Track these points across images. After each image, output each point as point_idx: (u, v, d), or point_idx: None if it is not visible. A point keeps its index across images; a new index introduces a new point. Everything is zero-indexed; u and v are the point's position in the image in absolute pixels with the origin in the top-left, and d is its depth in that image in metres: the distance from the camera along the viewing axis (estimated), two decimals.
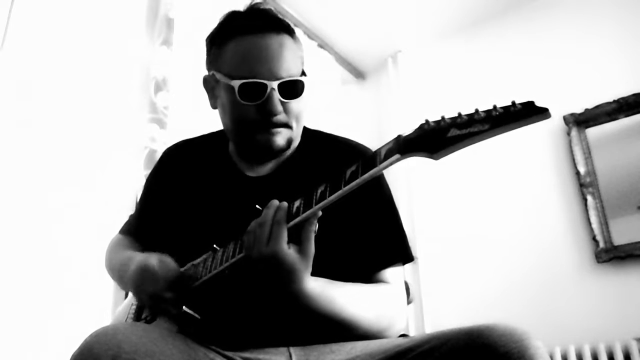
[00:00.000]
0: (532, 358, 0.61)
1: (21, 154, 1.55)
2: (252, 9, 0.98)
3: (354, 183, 0.70)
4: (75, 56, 1.77)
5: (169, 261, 0.89)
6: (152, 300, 0.87)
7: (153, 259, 0.88)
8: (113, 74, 1.89)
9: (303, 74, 0.98)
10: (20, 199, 1.51)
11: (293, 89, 0.94)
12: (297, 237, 0.77)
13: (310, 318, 0.81)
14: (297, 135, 1.00)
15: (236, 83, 0.91)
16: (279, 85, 0.92)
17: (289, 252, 0.75)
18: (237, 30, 0.95)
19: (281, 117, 0.94)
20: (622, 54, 2.55)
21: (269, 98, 0.91)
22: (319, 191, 0.74)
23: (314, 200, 0.74)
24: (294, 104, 0.95)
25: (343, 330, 0.83)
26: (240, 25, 0.95)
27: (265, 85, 0.91)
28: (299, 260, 0.76)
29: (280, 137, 0.95)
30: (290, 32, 0.98)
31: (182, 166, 1.07)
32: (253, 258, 0.77)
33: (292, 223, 0.76)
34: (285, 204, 0.78)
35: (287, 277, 0.76)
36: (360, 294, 0.87)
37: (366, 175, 0.69)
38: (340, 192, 0.71)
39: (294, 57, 0.96)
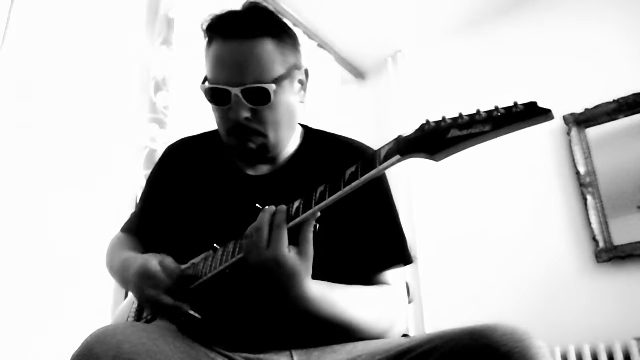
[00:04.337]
0: (534, 358, 0.61)
1: (21, 154, 1.55)
2: (231, 12, 0.95)
3: (353, 184, 0.69)
4: (75, 56, 1.77)
5: (170, 263, 0.87)
6: (152, 306, 0.86)
7: (154, 262, 0.86)
8: (113, 73, 1.89)
9: (285, 77, 0.93)
10: (20, 199, 1.51)
11: (260, 95, 0.90)
12: (295, 239, 0.75)
13: (311, 322, 0.79)
14: (276, 142, 0.96)
15: (204, 88, 0.93)
16: (244, 92, 0.90)
17: (290, 255, 0.73)
18: (213, 34, 0.94)
19: (249, 123, 0.92)
20: (622, 54, 2.55)
21: (233, 104, 0.91)
22: (319, 192, 0.73)
23: (314, 201, 0.73)
24: (265, 111, 0.92)
25: (344, 333, 0.82)
26: (215, 30, 0.94)
27: (229, 92, 0.90)
28: (299, 263, 0.74)
29: (252, 144, 0.94)
30: (274, 35, 0.93)
31: (184, 164, 1.06)
32: (252, 263, 0.75)
33: (292, 224, 0.75)
34: (283, 207, 0.76)
35: (288, 281, 0.74)
36: (361, 296, 0.86)
37: (366, 177, 0.68)
38: (340, 193, 0.70)
39: (269, 62, 0.91)
